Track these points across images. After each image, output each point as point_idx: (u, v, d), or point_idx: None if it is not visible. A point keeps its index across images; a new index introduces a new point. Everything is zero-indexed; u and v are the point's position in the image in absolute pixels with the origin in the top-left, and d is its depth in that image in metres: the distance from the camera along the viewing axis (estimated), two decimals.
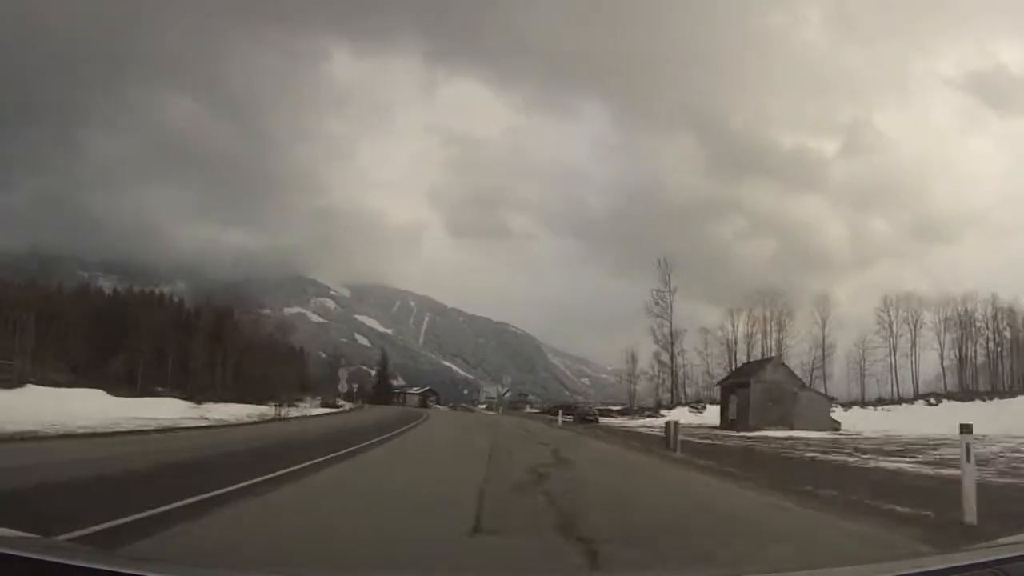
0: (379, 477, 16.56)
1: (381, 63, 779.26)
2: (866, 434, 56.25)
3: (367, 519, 10.08)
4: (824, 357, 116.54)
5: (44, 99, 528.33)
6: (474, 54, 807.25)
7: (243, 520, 9.70)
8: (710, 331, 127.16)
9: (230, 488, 11.92)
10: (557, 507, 11.55)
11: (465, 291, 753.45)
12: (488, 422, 64.61)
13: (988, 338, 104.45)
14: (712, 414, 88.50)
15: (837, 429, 65.52)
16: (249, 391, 75.24)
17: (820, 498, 14.22)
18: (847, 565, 4.50)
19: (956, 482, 12.21)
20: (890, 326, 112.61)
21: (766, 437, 50.35)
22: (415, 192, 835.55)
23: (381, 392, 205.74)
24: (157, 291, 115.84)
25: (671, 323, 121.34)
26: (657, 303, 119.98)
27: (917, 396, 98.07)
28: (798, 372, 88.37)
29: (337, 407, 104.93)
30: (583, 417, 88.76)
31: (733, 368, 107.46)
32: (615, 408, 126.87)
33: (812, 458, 29.55)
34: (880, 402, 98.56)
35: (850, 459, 28.66)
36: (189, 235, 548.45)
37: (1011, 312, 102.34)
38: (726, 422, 73.88)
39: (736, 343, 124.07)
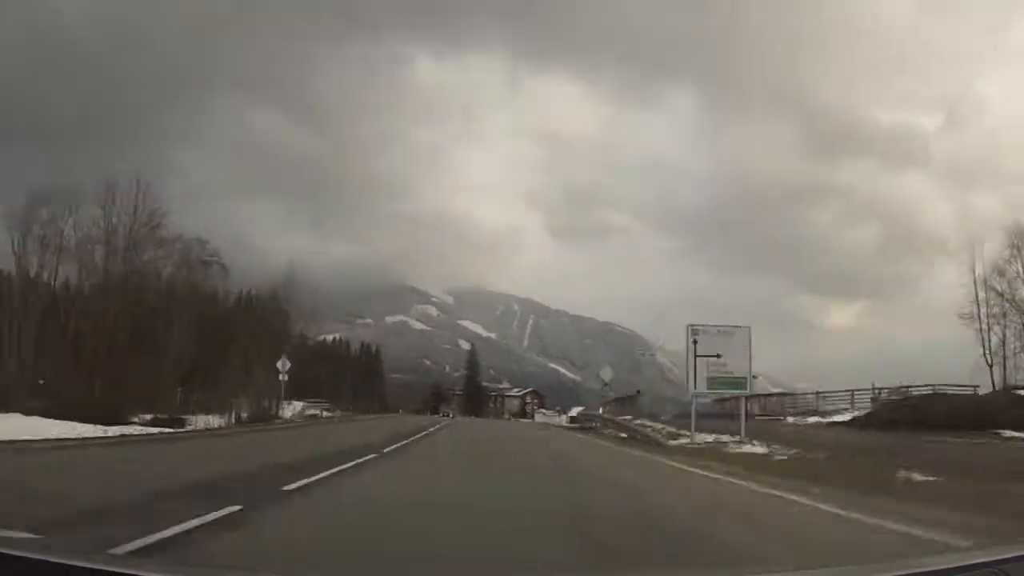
0: None
1: (463, 65, 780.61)
2: None
3: None
4: None
5: (138, 120, 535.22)
6: (557, 48, 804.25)
7: None
8: None
9: None
10: None
11: (568, 292, 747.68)
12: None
13: None
14: None
15: None
16: None
17: None
18: (847, 565, 4.48)
19: None
20: None
21: None
22: (511, 194, 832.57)
23: (471, 396, 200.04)
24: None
25: None
26: None
27: None
28: None
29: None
30: None
31: None
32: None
33: None
34: None
35: None
36: (285, 248, 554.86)
37: None
38: None
39: None
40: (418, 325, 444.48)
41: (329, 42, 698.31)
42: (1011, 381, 49.66)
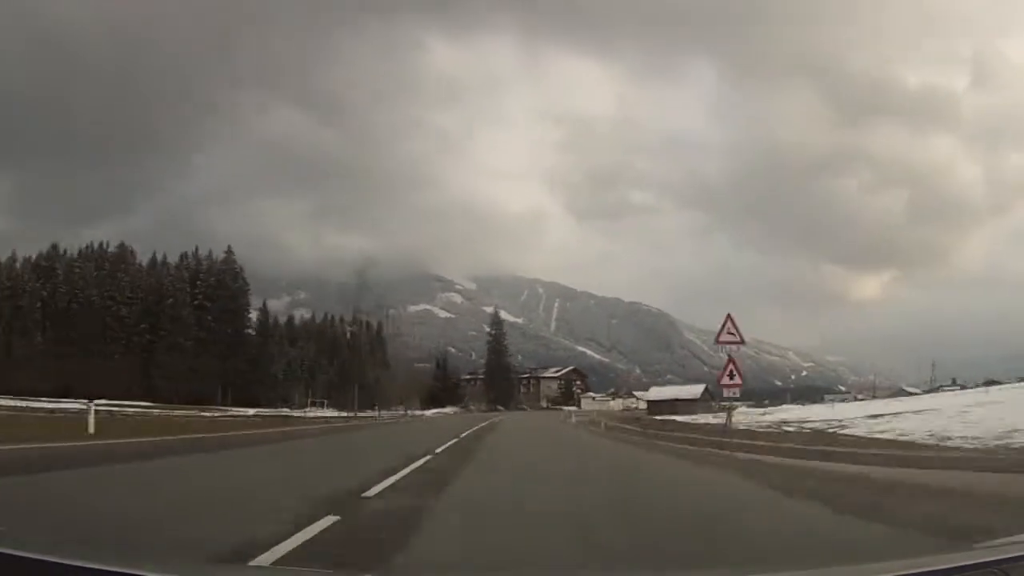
0: None
1: (478, 46, 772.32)
2: None
3: None
4: None
5: (155, 120, 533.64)
6: (573, 25, 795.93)
7: None
8: None
9: None
10: None
11: (593, 273, 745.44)
12: None
13: None
14: None
15: None
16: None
17: None
18: (847, 565, 4.50)
19: None
20: None
21: None
22: (532, 177, 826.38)
23: (496, 374, 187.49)
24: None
25: None
26: None
27: None
28: None
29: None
30: None
31: None
32: None
33: None
34: None
35: None
36: (309, 243, 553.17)
37: None
38: None
39: None
40: (443, 313, 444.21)
41: (342, 30, 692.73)
42: None
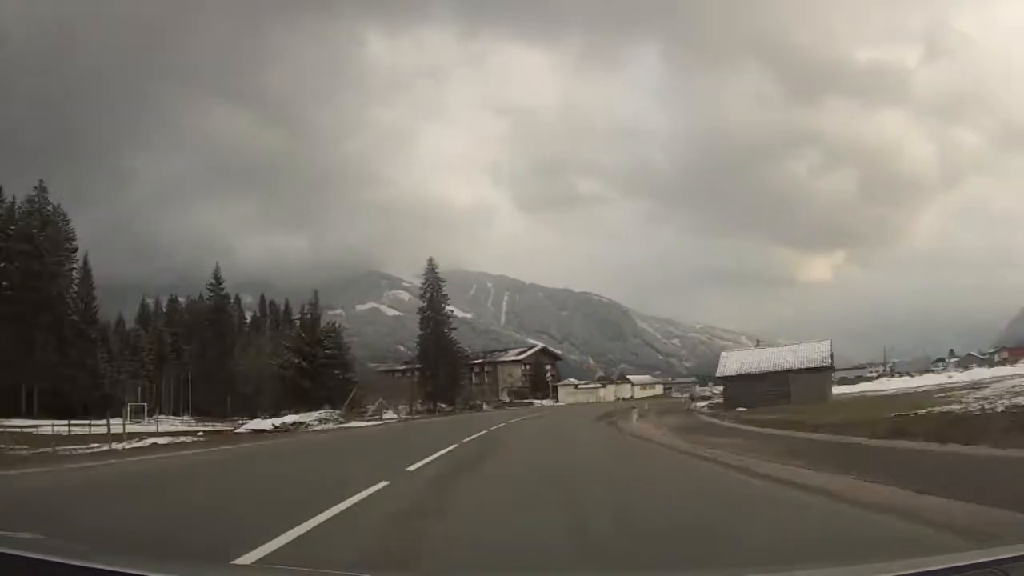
0: None
1: (419, 39, 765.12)
2: None
3: None
4: None
5: (86, 127, 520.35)
6: (514, 13, 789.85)
7: None
8: None
9: None
10: None
11: (543, 265, 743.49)
12: None
13: None
14: None
15: None
16: None
17: None
18: (847, 565, 4.18)
19: None
20: None
21: None
22: (478, 170, 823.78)
23: (435, 359, 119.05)
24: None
25: None
26: None
27: None
28: None
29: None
30: None
31: None
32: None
33: None
34: None
35: None
36: (255, 245, 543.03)
37: None
38: None
39: None
40: (391, 311, 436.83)
41: (281, 26, 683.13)
42: None
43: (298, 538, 8.06)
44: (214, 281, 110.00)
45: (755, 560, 6.93)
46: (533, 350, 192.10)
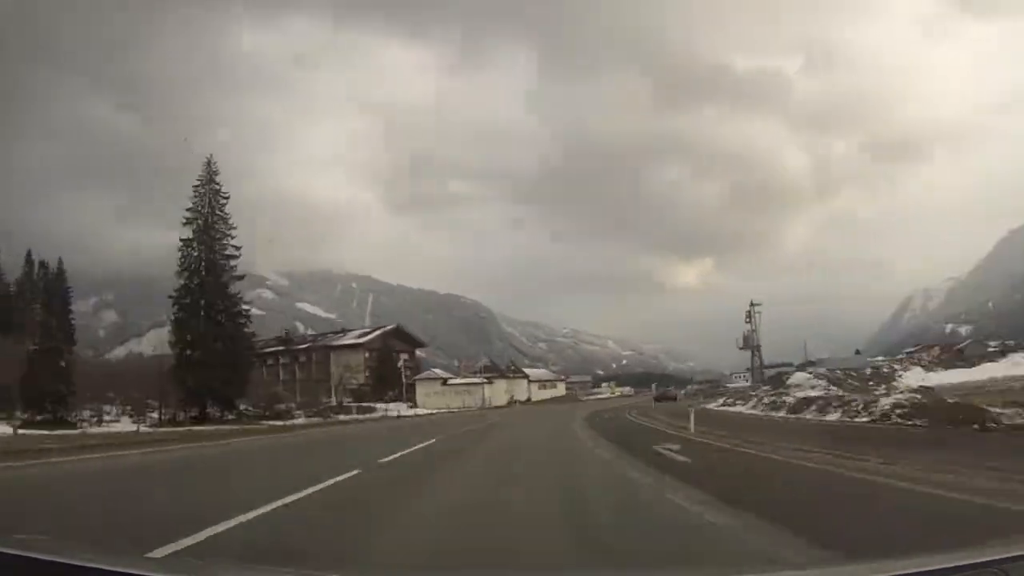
0: None
1: (290, 31, 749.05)
2: None
3: None
4: None
5: None
6: (388, 7, 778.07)
7: None
8: None
9: None
10: None
11: (409, 266, 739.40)
12: None
13: None
14: None
15: None
16: None
17: None
18: (847, 565, 4.67)
19: None
20: None
21: None
22: (348, 169, 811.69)
23: (196, 333, 70.94)
24: None
25: None
26: None
27: None
28: None
29: None
30: None
31: None
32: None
33: None
34: None
35: None
36: (118, 239, 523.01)
37: None
38: None
39: None
40: (254, 311, 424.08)
41: (148, 10, 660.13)
42: None
43: None
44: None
45: None
46: (379, 331, 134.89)
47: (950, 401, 29.41)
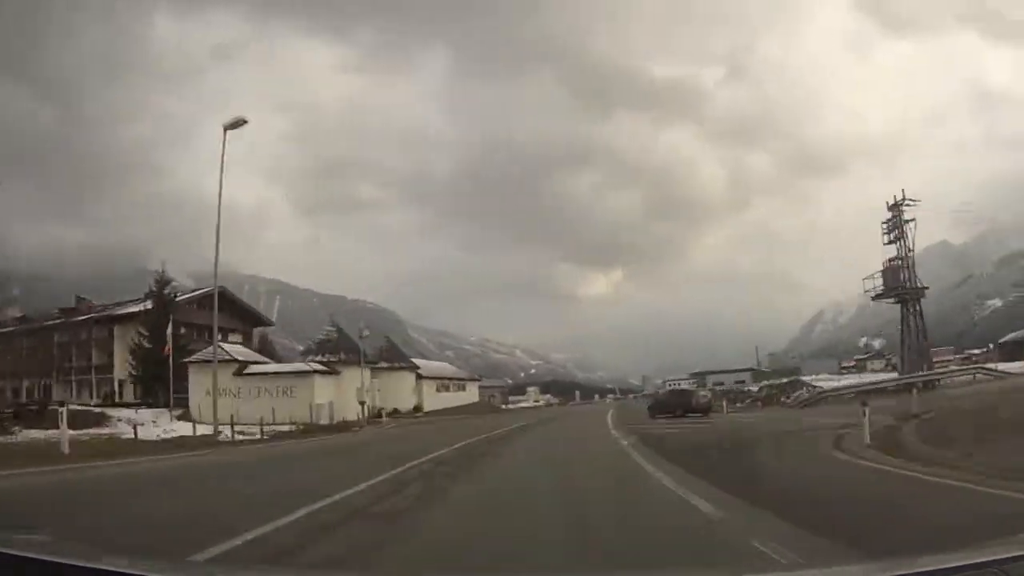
0: None
1: (207, 24, 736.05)
2: None
3: None
4: None
5: None
6: (304, 4, 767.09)
7: None
8: None
9: None
10: None
11: (318, 270, 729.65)
12: None
13: None
14: None
15: None
16: None
17: None
18: (847, 565, 4.73)
19: None
20: None
21: None
22: (257, 169, 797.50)
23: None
24: None
25: None
26: None
27: None
28: None
29: None
30: None
31: None
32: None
33: None
34: None
35: None
36: (24, 233, 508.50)
37: None
38: None
39: None
40: None
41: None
42: None
43: None
44: None
45: None
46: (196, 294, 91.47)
47: None
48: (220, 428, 42.68)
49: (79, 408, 51.90)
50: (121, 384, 79.27)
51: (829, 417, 34.21)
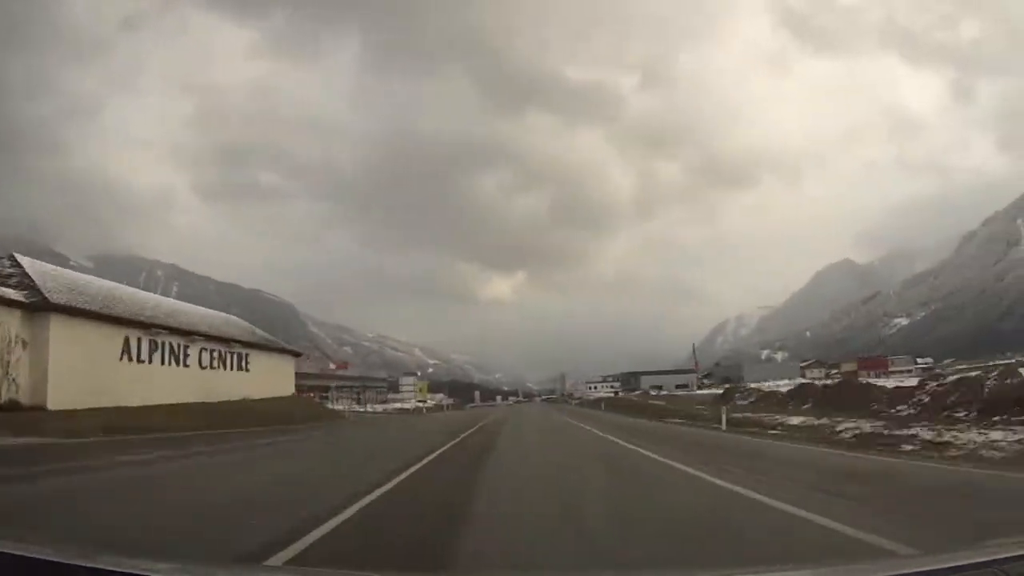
0: None
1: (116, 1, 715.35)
2: None
3: None
4: None
5: None
6: None
7: None
8: None
9: None
10: None
11: (217, 257, 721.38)
12: None
13: None
14: None
15: None
16: None
17: None
18: (847, 565, 4.58)
19: None
20: None
21: None
22: (160, 152, 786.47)
23: None
24: None
25: None
26: None
27: None
28: None
29: None
30: None
31: None
32: None
33: None
34: None
35: None
36: None
37: None
38: None
39: None
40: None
41: None
42: None
43: None
44: None
45: None
46: None
47: None
48: None
49: None
50: None
51: None
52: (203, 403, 46.24)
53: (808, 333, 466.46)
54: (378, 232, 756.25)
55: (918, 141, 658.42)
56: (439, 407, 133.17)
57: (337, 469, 19.38)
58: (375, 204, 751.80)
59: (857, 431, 26.02)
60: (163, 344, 46.96)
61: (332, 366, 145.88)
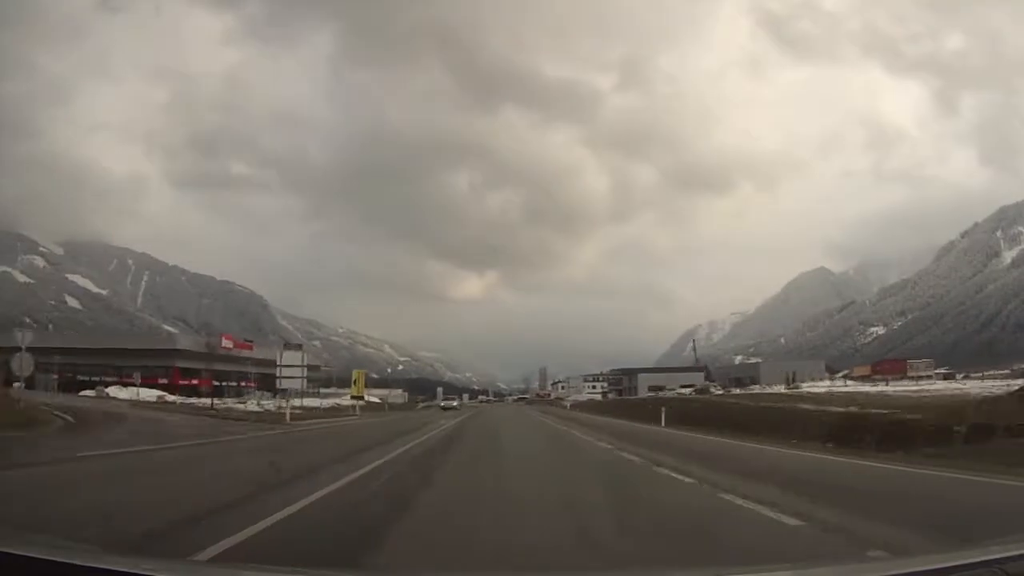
0: None
1: None
2: None
3: None
4: None
5: None
6: None
7: None
8: None
9: None
10: None
11: (188, 247, 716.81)
12: None
13: None
14: None
15: None
16: None
17: None
18: (846, 564, 4.72)
19: None
20: None
21: None
22: (132, 138, 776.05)
23: None
24: None
25: None
26: None
27: None
28: None
29: None
30: None
31: None
32: None
33: None
34: None
35: None
36: None
37: None
38: None
39: None
40: (22, 278, 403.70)
41: None
42: None
43: None
44: None
45: None
46: None
47: None
48: None
49: None
50: None
51: None
52: None
53: (783, 340, 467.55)
54: (352, 227, 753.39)
55: (897, 152, 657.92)
56: (381, 406, 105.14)
57: None
58: (349, 198, 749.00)
59: None
60: None
61: (228, 344, 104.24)
